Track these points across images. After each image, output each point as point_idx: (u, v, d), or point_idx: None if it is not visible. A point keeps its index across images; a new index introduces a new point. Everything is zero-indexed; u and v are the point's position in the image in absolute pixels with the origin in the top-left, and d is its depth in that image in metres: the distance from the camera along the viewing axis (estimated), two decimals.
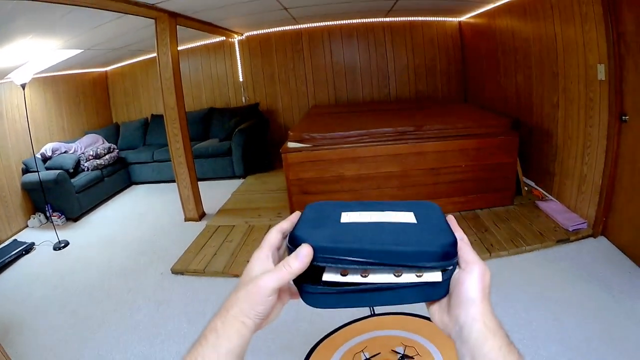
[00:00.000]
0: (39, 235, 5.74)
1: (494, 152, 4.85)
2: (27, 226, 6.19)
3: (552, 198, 4.87)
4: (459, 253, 0.70)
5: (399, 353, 3.28)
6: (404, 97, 8.43)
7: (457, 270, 0.70)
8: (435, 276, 0.68)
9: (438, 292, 0.70)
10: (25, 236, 5.82)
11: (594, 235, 4.05)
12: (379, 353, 3.31)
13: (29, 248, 5.41)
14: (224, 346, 0.66)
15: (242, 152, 7.31)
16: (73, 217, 6.24)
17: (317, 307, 0.72)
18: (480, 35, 7.17)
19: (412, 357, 3.23)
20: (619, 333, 2.98)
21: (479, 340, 0.63)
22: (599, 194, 3.97)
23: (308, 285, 0.71)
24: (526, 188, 5.22)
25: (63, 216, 6.21)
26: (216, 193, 6.68)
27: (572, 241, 4.11)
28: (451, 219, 0.79)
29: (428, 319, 3.73)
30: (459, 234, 0.75)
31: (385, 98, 8.48)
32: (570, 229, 4.14)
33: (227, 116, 7.95)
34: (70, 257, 5.21)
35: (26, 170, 6.23)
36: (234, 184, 7.17)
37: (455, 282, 0.69)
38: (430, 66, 8.35)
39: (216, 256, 4.83)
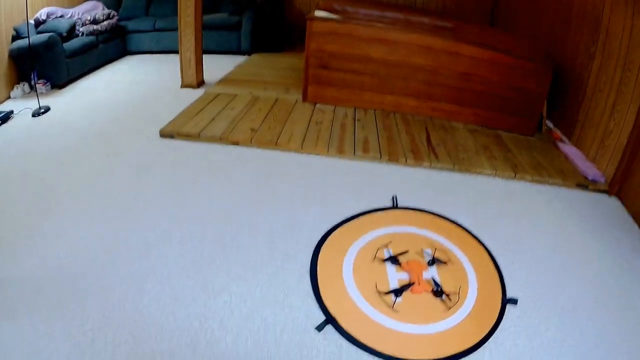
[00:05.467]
0: (20, 104, 4.46)
1: (527, 76, 3.97)
2: (9, 97, 4.78)
3: (570, 144, 3.97)
4: None
5: (428, 255, 2.33)
6: (430, 8, 6.93)
7: None
8: None
9: None
10: (5, 107, 4.47)
11: (609, 193, 3.29)
12: (407, 251, 2.32)
13: (5, 117, 4.15)
14: None
15: (251, 27, 5.96)
16: (60, 84, 4.98)
17: None
18: None
19: (444, 263, 2.28)
20: (630, 298, 2.24)
21: None
22: (622, 154, 3.24)
23: None
24: (546, 127, 4.27)
25: (48, 83, 4.94)
26: (218, 65, 5.39)
27: (590, 190, 3.31)
28: None
29: (456, 223, 2.69)
30: None
31: (410, 4, 6.91)
32: (590, 178, 3.38)
33: None
34: (49, 123, 4.01)
35: (17, 36, 4.85)
36: (238, 59, 5.85)
37: None
38: None
39: (214, 121, 3.66)
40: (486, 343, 1.83)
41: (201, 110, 3.86)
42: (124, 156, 3.21)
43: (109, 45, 5.73)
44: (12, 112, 4.23)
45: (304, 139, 3.43)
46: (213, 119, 3.68)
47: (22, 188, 2.84)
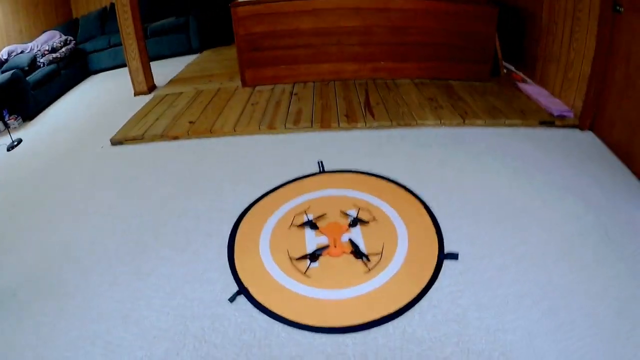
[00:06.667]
0: None
1: (471, 20, 3.70)
2: None
3: (533, 84, 3.69)
4: None
5: (351, 216, 2.19)
6: None
7: None
8: None
9: None
10: None
11: (581, 128, 3.03)
12: (325, 214, 2.22)
13: None
14: None
15: (198, 26, 5.87)
16: (30, 115, 4.99)
17: None
18: None
19: (366, 222, 2.13)
20: (614, 231, 2.04)
21: None
22: (587, 85, 2.98)
23: None
24: (505, 70, 3.99)
25: (19, 117, 4.91)
26: (170, 68, 5.34)
27: (557, 126, 3.03)
28: None
29: (387, 179, 2.45)
30: None
31: None
32: (555, 114, 3.10)
33: None
34: (21, 153, 4.07)
35: None
36: (190, 59, 5.76)
37: None
38: None
39: (158, 121, 3.69)
40: (416, 305, 1.67)
41: (147, 113, 3.85)
42: (80, 168, 3.29)
43: (70, 70, 5.72)
44: None
45: (237, 122, 3.40)
46: (157, 119, 3.67)
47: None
